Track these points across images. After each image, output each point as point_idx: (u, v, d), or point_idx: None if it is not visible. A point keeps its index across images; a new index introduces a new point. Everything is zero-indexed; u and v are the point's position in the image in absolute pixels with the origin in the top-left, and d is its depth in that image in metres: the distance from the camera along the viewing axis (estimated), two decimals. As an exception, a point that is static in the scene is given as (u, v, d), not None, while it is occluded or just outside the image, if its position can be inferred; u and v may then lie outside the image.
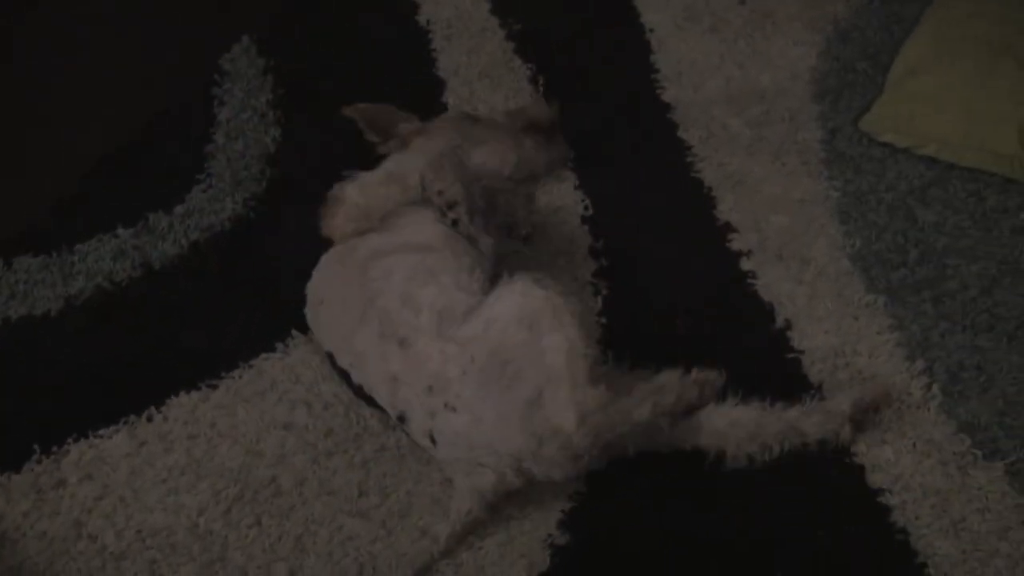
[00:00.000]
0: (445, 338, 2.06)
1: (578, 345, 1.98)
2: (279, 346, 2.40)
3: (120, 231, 2.65)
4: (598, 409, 1.94)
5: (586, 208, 2.63)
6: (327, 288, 2.33)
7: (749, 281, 2.47)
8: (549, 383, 1.97)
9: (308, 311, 2.36)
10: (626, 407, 1.96)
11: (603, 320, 2.41)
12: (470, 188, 2.31)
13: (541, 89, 2.93)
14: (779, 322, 2.38)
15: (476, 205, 2.30)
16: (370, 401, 2.20)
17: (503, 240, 2.39)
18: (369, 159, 2.61)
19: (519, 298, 2.05)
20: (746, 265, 2.49)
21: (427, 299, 2.13)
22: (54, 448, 2.28)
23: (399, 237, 2.29)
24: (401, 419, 2.11)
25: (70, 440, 2.29)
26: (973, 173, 2.63)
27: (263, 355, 2.39)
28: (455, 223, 2.28)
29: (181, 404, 2.33)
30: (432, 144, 2.50)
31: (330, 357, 2.27)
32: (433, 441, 2.07)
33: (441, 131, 2.58)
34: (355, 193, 2.41)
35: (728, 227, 2.57)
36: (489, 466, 2.02)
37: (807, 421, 2.13)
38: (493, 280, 2.19)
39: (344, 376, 2.24)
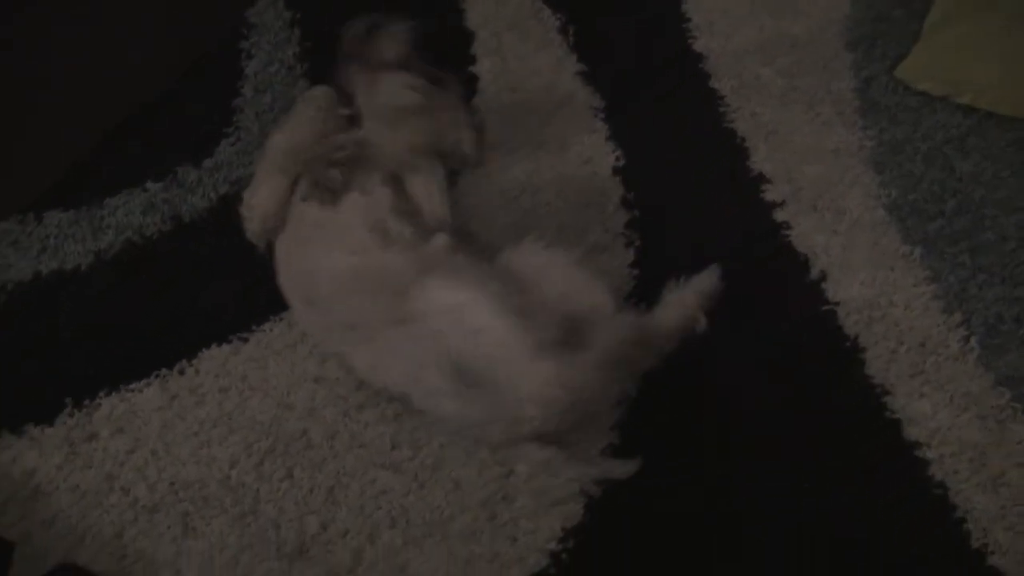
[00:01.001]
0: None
1: (506, 327, 1.95)
2: (310, 298, 2.38)
3: (149, 185, 2.65)
4: (554, 378, 1.92)
5: (617, 159, 2.60)
6: None
7: (783, 232, 2.44)
8: (500, 371, 1.95)
9: None
10: (584, 362, 1.95)
11: (635, 272, 2.39)
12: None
13: (571, 39, 2.90)
14: (814, 273, 2.36)
15: None
16: None
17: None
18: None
19: (436, 295, 2.03)
20: (780, 216, 2.46)
21: None
22: (86, 402, 2.30)
23: None
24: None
25: (102, 394, 2.30)
26: (1012, 121, 2.57)
27: (293, 307, 2.37)
28: None
29: (212, 357, 2.34)
30: None
31: None
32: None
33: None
34: None
35: (761, 177, 2.54)
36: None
37: (665, 317, 2.11)
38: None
39: None
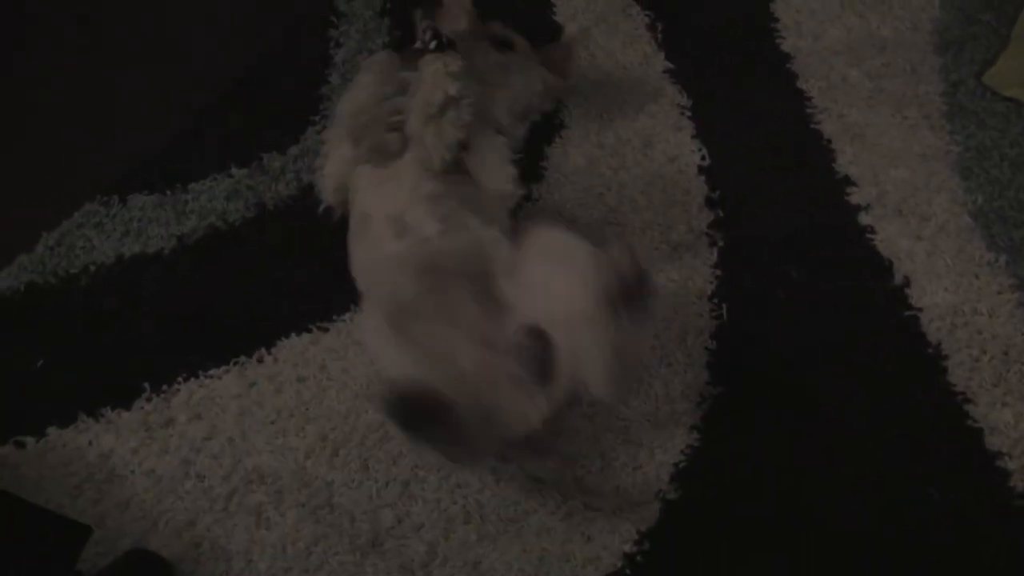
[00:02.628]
0: None
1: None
2: (392, 289, 2.38)
3: (234, 171, 2.66)
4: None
5: (703, 158, 2.58)
6: None
7: (868, 236, 2.41)
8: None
9: None
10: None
11: (717, 272, 2.37)
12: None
13: (660, 36, 2.87)
14: (897, 278, 2.33)
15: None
16: None
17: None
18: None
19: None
20: (865, 219, 2.43)
21: None
22: (164, 387, 2.31)
23: None
24: None
25: (180, 379, 2.31)
26: (1100, 130, 2.54)
27: (375, 297, 2.37)
28: None
29: (292, 346, 2.34)
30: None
31: None
32: None
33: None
34: None
35: (847, 180, 2.51)
36: None
37: None
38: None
39: None
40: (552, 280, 1.91)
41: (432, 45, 2.29)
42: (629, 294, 1.79)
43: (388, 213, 2.12)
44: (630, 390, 2.14)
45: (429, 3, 2.52)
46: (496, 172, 2.27)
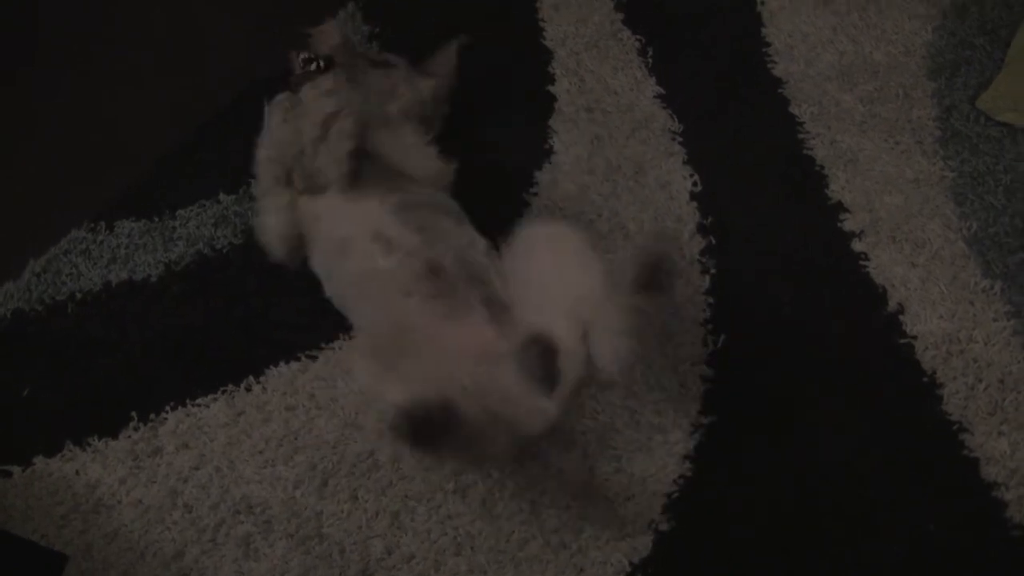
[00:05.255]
0: None
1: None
2: (380, 318, 2.36)
3: (222, 197, 2.64)
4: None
5: (695, 184, 2.56)
6: None
7: (861, 263, 2.40)
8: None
9: None
10: None
11: (710, 300, 2.36)
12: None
13: (650, 61, 2.86)
14: (891, 306, 2.32)
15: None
16: None
17: None
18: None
19: None
20: (858, 246, 2.42)
21: None
22: (151, 415, 2.29)
23: None
24: None
25: (168, 408, 2.30)
26: (1097, 155, 2.53)
27: (364, 327, 2.35)
28: None
29: (280, 374, 2.32)
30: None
31: None
32: None
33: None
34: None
35: (840, 206, 2.49)
36: None
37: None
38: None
39: None
40: (563, 269, 1.96)
41: (312, 67, 2.38)
42: (654, 277, 1.80)
43: (369, 231, 2.12)
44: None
45: (299, 35, 2.54)
46: (416, 157, 2.31)
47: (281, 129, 2.30)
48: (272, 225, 2.31)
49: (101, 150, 2.73)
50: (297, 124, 2.26)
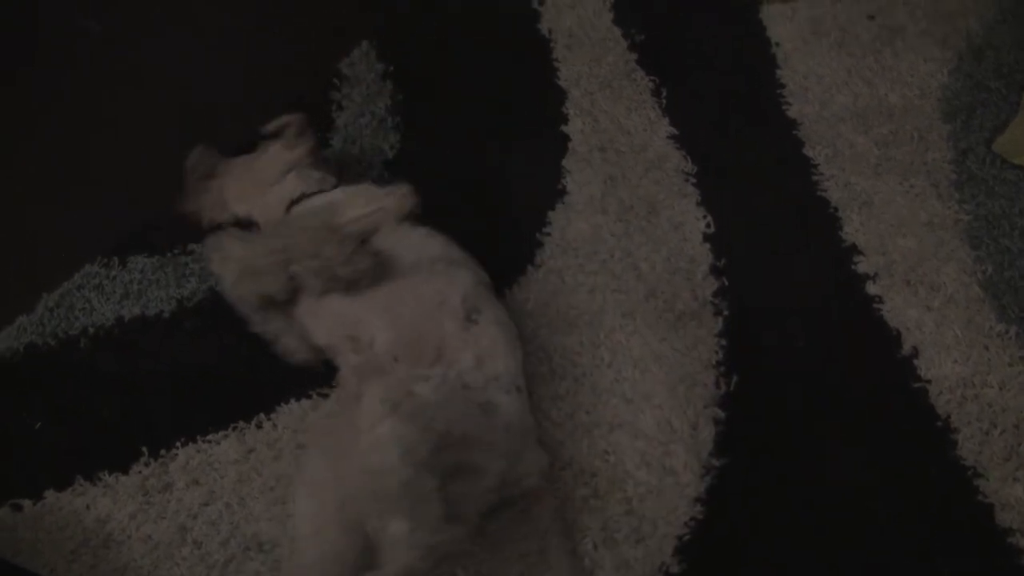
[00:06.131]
0: None
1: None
2: (392, 356, 2.36)
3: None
4: None
5: (708, 225, 2.56)
6: None
7: (875, 306, 2.39)
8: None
9: None
10: None
11: (723, 342, 2.35)
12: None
13: (664, 102, 2.87)
14: (905, 349, 2.31)
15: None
16: None
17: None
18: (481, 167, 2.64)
19: None
20: (872, 289, 2.42)
21: None
22: (162, 451, 2.28)
23: None
24: None
25: (178, 443, 2.29)
26: (1114, 200, 2.53)
27: (375, 365, 2.34)
28: None
29: (291, 412, 2.31)
30: None
31: None
32: None
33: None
34: None
35: (854, 249, 2.49)
36: None
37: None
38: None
39: None
40: None
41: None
42: None
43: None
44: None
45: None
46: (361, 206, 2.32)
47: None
48: (290, 346, 2.35)
49: (115, 186, 2.73)
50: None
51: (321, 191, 2.44)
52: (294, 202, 2.42)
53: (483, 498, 1.97)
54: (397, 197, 2.28)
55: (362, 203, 2.31)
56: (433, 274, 2.21)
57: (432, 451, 1.85)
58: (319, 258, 2.17)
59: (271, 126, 2.56)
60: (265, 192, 2.50)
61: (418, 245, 2.28)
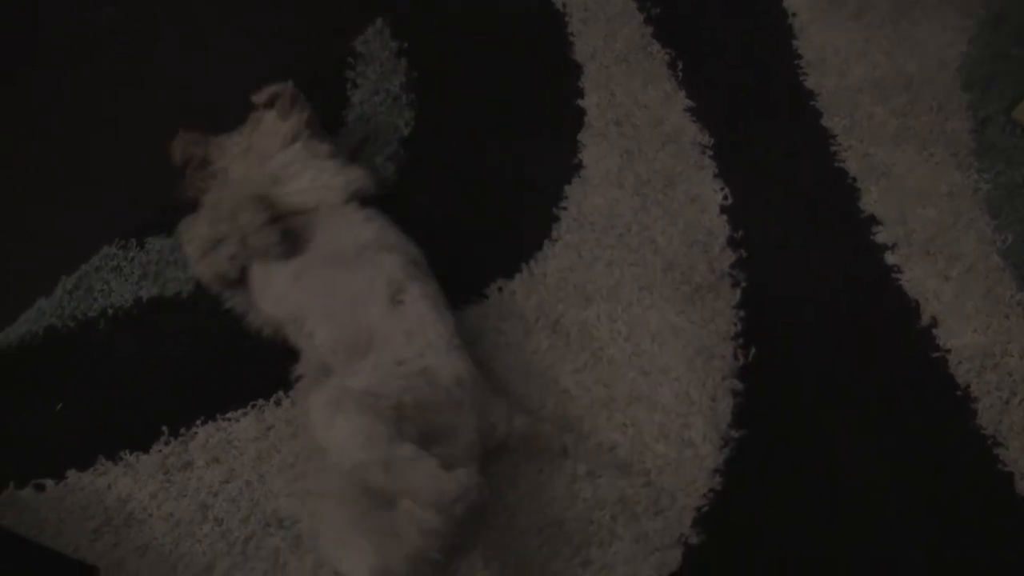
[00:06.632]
0: None
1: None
2: (409, 332, 2.36)
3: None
4: None
5: (725, 197, 2.56)
6: None
7: (893, 276, 2.38)
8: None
9: None
10: None
11: (741, 313, 2.34)
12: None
13: (680, 75, 2.86)
14: (924, 319, 2.30)
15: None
16: None
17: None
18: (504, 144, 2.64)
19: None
20: (891, 259, 2.41)
21: None
22: (182, 430, 2.29)
23: None
24: None
25: (198, 422, 2.30)
26: None
27: (392, 341, 2.35)
28: None
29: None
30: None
31: None
32: None
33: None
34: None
35: (873, 219, 2.48)
36: None
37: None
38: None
39: None
40: None
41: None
42: None
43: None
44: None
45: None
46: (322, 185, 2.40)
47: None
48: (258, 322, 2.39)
49: (132, 168, 2.72)
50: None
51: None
52: None
53: (469, 453, 2.00)
54: (346, 178, 2.30)
55: (307, 178, 2.36)
56: (362, 262, 2.25)
57: (392, 426, 1.89)
58: (235, 222, 2.24)
59: (261, 96, 2.57)
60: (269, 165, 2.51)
61: (354, 230, 2.32)
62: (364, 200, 2.40)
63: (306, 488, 2.18)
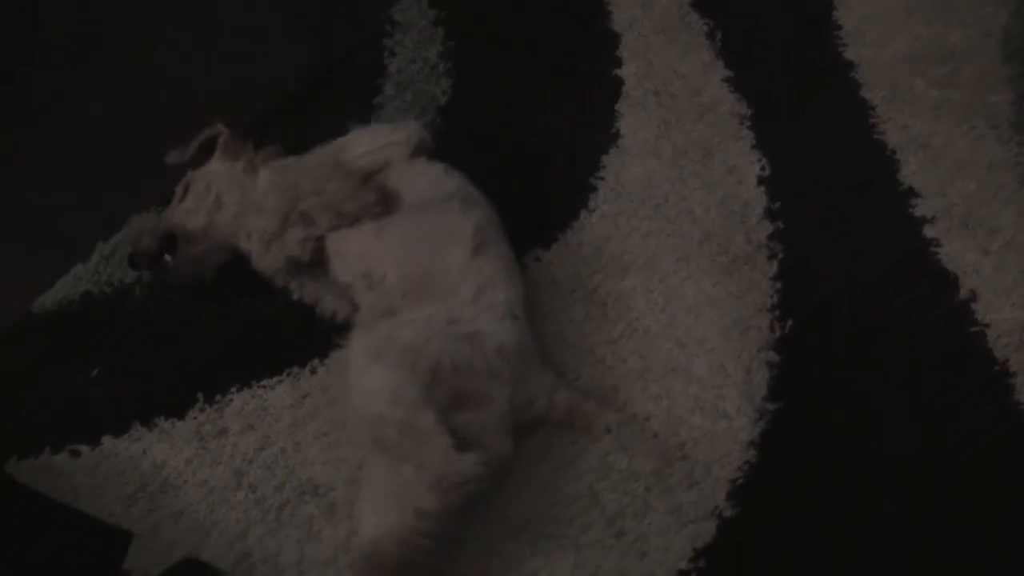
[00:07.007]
0: None
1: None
2: (446, 301, 2.36)
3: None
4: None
5: (763, 168, 2.54)
6: None
7: (932, 249, 2.35)
8: None
9: None
10: None
11: (778, 285, 2.33)
12: None
13: (719, 45, 2.84)
14: (963, 293, 2.27)
15: None
16: None
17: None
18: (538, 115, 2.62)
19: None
20: (929, 232, 2.38)
21: None
22: (217, 397, 2.31)
23: None
24: None
25: (233, 389, 2.31)
26: None
27: (429, 310, 2.35)
28: None
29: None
30: None
31: None
32: None
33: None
34: None
35: (911, 192, 2.45)
36: None
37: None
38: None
39: None
40: None
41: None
42: None
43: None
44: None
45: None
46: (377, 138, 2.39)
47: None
48: (330, 304, 2.38)
49: (168, 134, 2.73)
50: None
51: None
52: None
53: (500, 424, 2.00)
54: (406, 133, 2.30)
55: (367, 141, 2.36)
56: (447, 210, 2.23)
57: (423, 390, 1.90)
58: (324, 194, 2.22)
59: (184, 154, 2.57)
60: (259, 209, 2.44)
61: (435, 181, 2.31)
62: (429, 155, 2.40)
63: (341, 456, 2.18)
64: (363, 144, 2.36)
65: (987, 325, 2.22)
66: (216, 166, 2.53)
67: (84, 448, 2.26)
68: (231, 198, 2.45)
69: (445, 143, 2.61)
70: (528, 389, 2.07)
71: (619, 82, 2.78)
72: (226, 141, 2.54)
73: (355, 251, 2.24)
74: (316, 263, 2.31)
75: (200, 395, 2.30)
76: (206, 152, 2.56)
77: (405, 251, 2.19)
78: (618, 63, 2.83)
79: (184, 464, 2.23)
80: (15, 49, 3.18)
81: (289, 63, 2.91)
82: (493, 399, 2.01)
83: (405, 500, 1.84)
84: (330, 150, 2.40)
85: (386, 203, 2.26)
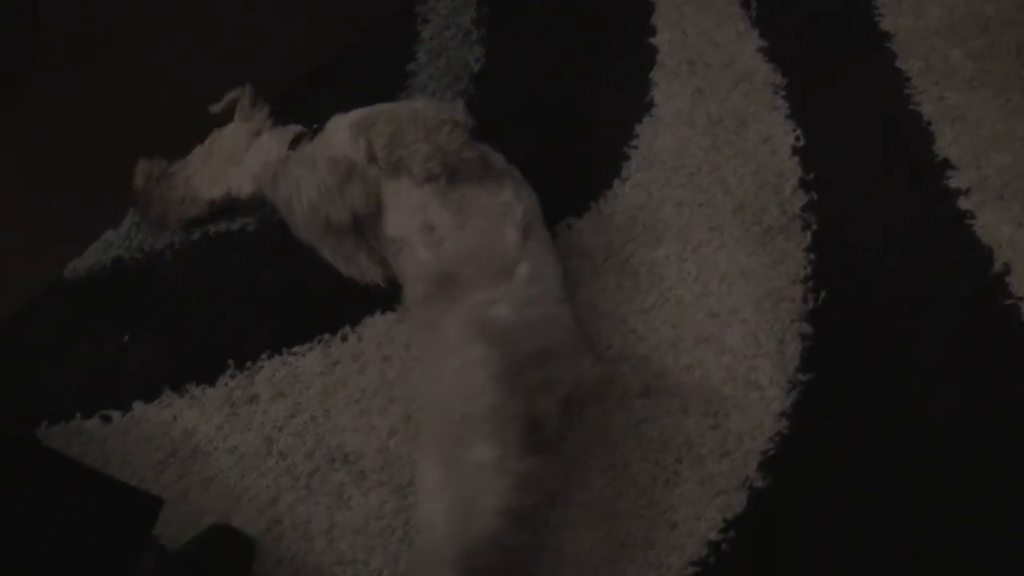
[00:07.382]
0: None
1: None
2: (477, 269, 2.36)
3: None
4: None
5: (797, 139, 2.52)
6: None
7: (967, 221, 2.33)
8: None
9: None
10: None
11: (811, 256, 2.32)
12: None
13: (753, 14, 2.82)
14: (997, 266, 2.25)
15: None
16: None
17: None
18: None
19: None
20: (964, 204, 2.36)
21: None
22: (248, 363, 2.32)
23: None
24: None
25: (264, 356, 2.32)
26: None
27: (461, 277, 2.34)
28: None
29: (376, 324, 2.33)
30: None
31: None
32: None
33: None
34: None
35: (946, 163, 2.43)
36: None
37: None
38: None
39: None
40: None
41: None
42: None
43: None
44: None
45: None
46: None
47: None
48: (364, 265, 2.33)
49: (197, 102, 2.72)
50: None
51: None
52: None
53: (560, 407, 2.00)
54: (462, 111, 2.25)
55: (434, 109, 2.28)
56: (503, 187, 2.22)
57: (516, 374, 1.87)
58: (432, 144, 2.16)
59: (218, 106, 2.59)
60: (240, 164, 2.50)
61: (486, 160, 2.27)
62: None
63: (371, 424, 2.18)
64: (432, 109, 2.31)
65: (1021, 298, 2.20)
66: (232, 126, 2.56)
67: (115, 414, 2.28)
68: (236, 156, 2.50)
69: (478, 110, 2.60)
70: (581, 372, 2.07)
71: (653, 51, 2.76)
72: (243, 103, 2.56)
73: (412, 203, 2.20)
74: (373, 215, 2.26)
75: (231, 362, 2.31)
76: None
77: (463, 220, 2.16)
78: (652, 32, 2.81)
79: (214, 430, 2.24)
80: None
81: (319, 31, 2.91)
82: (562, 384, 2.01)
83: (482, 499, 1.80)
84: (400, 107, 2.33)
85: (484, 167, 2.24)
